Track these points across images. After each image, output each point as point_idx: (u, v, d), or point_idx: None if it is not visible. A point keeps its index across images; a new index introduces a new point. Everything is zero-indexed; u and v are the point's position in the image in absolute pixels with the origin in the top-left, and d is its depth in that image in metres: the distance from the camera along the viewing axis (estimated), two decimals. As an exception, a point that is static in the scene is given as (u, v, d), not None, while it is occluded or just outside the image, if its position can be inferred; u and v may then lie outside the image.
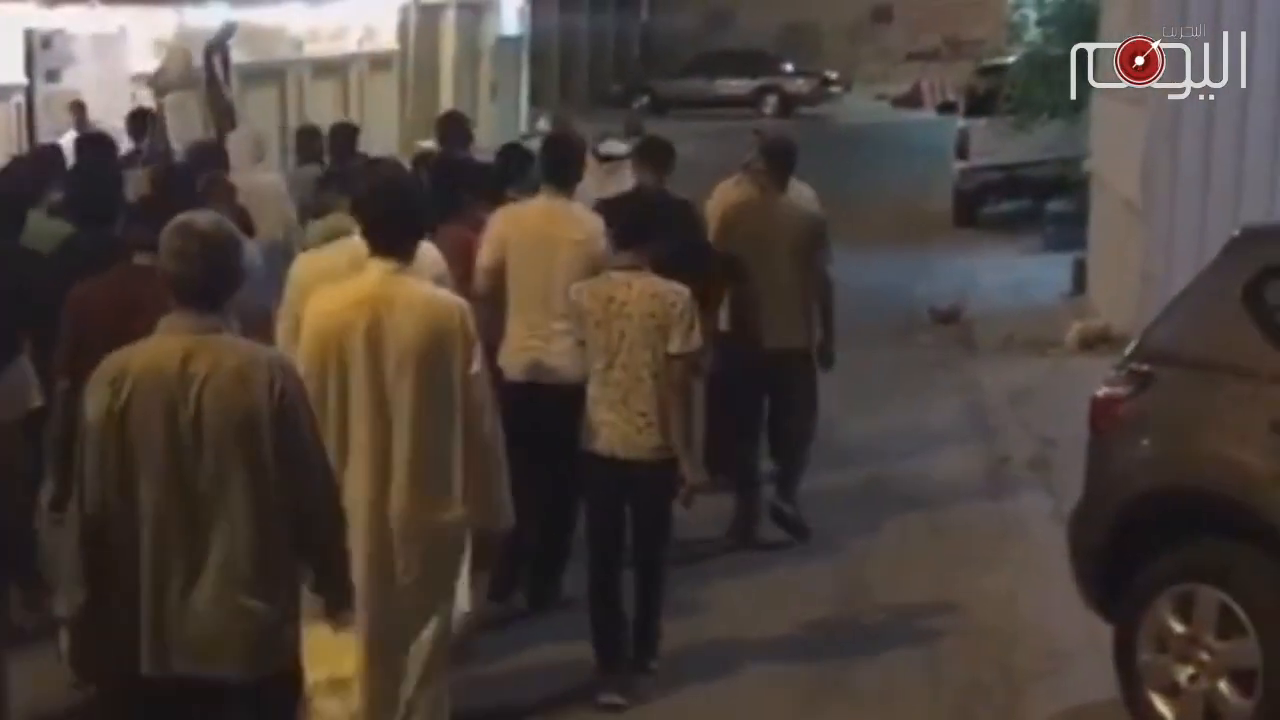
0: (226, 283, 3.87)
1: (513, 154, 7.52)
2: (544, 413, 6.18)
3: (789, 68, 37.49)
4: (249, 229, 7.11)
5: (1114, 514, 5.52)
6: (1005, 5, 26.75)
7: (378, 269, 4.80)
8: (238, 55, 18.17)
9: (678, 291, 5.79)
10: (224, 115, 16.49)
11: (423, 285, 4.93)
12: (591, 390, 5.86)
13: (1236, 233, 5.82)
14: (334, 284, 4.93)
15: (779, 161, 7.71)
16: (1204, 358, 5.44)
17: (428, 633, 4.84)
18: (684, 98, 34.33)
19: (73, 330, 5.49)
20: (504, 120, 25.87)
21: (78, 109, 13.99)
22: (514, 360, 6.44)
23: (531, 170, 7.02)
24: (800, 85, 36.19)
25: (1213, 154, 10.87)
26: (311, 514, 3.91)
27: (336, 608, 4.12)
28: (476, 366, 4.82)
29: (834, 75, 36.54)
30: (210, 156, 8.74)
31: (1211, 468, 5.28)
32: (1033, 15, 18.32)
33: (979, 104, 19.15)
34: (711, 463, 6.89)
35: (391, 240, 4.83)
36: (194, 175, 7.83)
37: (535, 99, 28.21)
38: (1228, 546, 5.23)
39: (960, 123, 19.35)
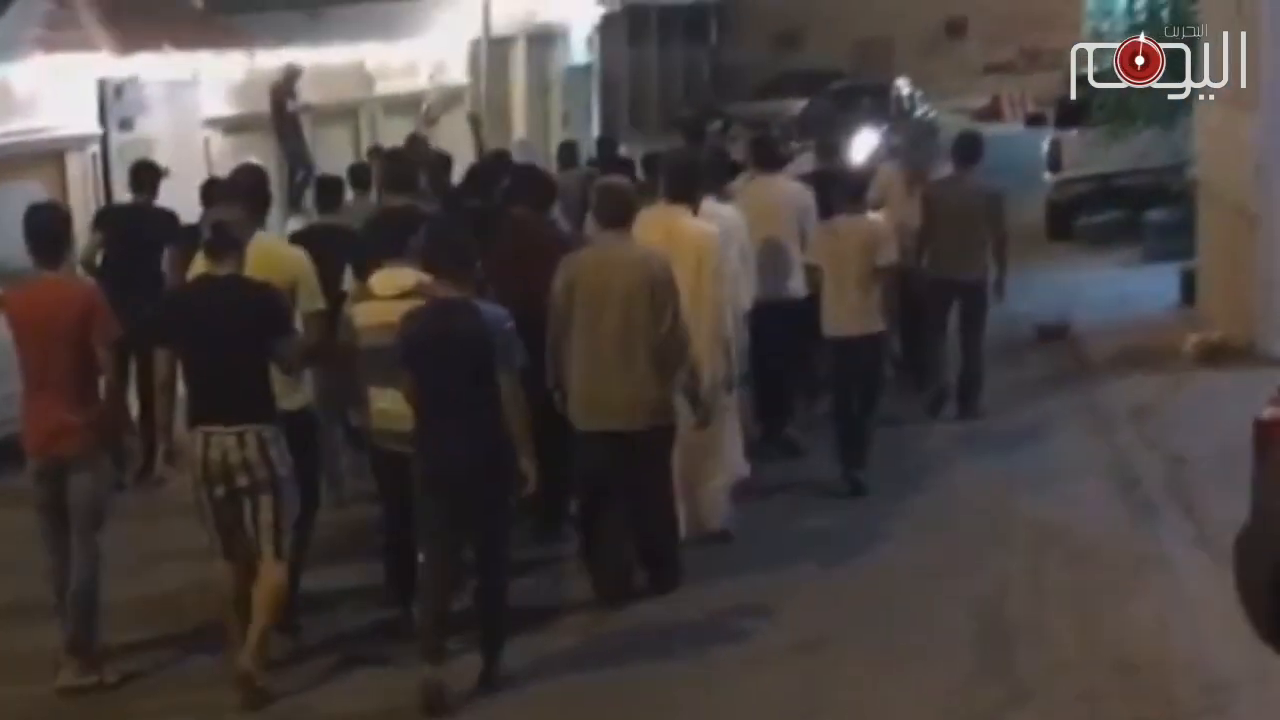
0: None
1: None
2: None
3: (863, 84, 37.19)
4: None
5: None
6: (1083, 14, 26.07)
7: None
8: (311, 95, 18.07)
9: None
10: (294, 156, 16.54)
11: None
12: None
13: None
14: None
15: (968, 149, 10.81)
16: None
17: None
18: (760, 120, 33.95)
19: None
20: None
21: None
22: None
23: None
24: (875, 101, 35.75)
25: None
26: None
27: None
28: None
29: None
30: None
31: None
32: (1121, 22, 17.72)
33: (1070, 114, 18.47)
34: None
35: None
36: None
37: (607, 126, 27.95)
38: None
39: (1051, 134, 18.83)
